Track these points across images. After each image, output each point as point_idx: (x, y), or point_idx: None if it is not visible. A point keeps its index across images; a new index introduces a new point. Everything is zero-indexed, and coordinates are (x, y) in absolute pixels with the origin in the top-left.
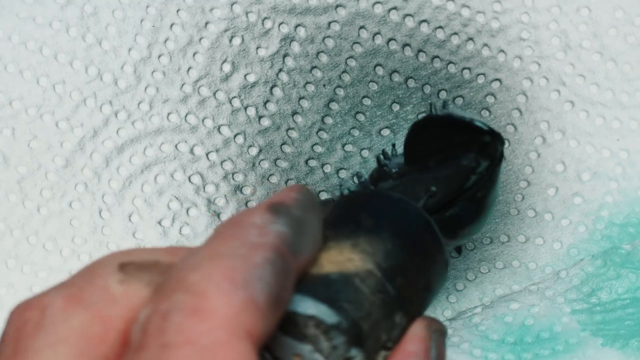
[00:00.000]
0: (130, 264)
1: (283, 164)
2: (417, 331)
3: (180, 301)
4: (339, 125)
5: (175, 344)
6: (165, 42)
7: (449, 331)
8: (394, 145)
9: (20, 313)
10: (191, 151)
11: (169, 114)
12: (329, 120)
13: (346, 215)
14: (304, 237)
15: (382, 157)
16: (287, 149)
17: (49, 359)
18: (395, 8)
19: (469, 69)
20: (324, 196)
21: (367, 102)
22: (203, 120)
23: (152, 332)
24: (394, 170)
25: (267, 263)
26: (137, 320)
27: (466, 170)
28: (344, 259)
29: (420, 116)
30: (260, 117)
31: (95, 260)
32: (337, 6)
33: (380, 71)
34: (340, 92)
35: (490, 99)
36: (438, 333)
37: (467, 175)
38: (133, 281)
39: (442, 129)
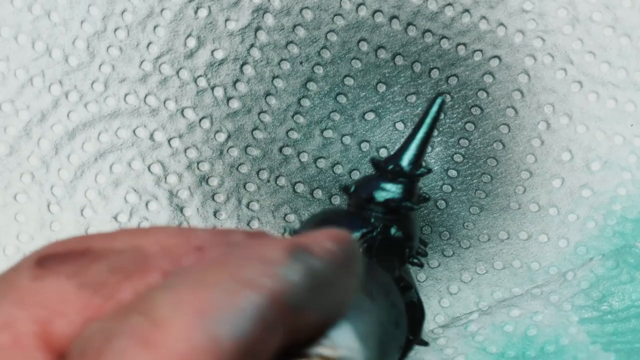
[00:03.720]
0: (51, 256)
1: (254, 152)
2: None
3: (133, 324)
4: (318, 108)
5: None
6: (122, 13)
7: (442, 341)
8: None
9: None
10: (151, 137)
11: (126, 95)
12: (306, 103)
13: None
14: (320, 298)
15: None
16: (259, 134)
17: None
18: None
19: (464, 44)
20: (299, 188)
21: (349, 81)
22: (165, 102)
23: (89, 354)
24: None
25: (253, 309)
26: (81, 335)
27: None
28: None
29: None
30: (229, 99)
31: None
32: None
33: (364, 47)
34: (319, 71)
35: (488, 79)
36: None
37: None
38: (49, 275)
39: None
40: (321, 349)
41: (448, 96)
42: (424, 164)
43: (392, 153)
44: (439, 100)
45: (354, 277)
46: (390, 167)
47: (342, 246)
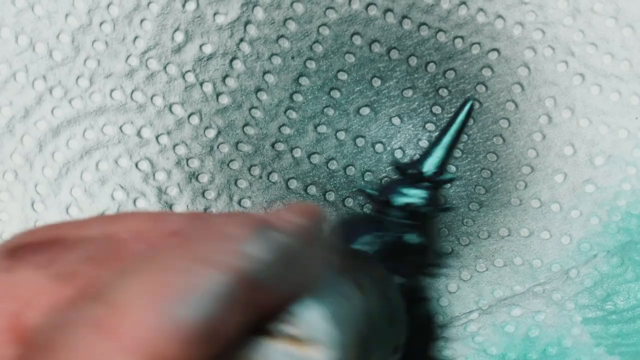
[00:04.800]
0: (23, 246)
1: (245, 148)
2: None
3: (90, 311)
4: (311, 104)
5: None
6: (108, 7)
7: (441, 341)
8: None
9: None
10: (138, 134)
11: (112, 90)
12: (298, 98)
13: None
14: (285, 273)
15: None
16: (250, 130)
17: None
18: None
19: (461, 37)
20: (292, 184)
21: (343, 76)
22: (152, 98)
23: (40, 345)
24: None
25: (215, 288)
26: (42, 327)
27: None
28: None
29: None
30: (218, 95)
31: None
32: None
33: (358, 41)
34: (312, 65)
35: (487, 72)
36: None
37: None
38: (21, 267)
39: None
40: (287, 327)
41: (446, 90)
42: (448, 170)
43: (416, 157)
44: (467, 106)
45: (319, 249)
46: (411, 171)
47: (308, 219)
